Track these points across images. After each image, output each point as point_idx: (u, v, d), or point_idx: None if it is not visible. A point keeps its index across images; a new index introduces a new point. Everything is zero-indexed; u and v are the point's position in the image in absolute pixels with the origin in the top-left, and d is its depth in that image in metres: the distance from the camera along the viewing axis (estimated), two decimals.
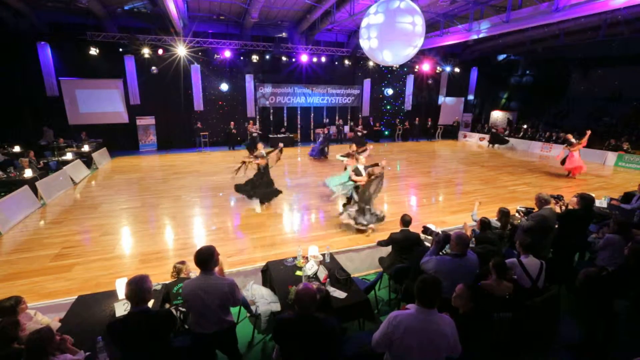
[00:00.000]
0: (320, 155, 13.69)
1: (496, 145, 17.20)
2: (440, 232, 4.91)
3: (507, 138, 17.19)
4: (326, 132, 14.71)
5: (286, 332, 2.36)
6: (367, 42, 4.79)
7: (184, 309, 3.09)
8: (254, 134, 14.70)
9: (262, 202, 7.41)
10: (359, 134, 15.29)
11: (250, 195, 7.35)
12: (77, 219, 6.99)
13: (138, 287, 2.32)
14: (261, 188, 7.34)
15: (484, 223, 4.44)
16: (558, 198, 5.45)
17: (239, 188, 7.51)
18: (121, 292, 3.33)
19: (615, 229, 3.92)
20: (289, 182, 9.95)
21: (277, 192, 7.63)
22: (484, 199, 8.35)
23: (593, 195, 6.24)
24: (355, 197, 6.20)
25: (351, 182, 6.43)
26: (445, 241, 3.41)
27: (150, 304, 3.32)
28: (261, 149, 7.54)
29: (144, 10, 12.92)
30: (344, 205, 6.53)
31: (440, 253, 3.44)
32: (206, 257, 2.60)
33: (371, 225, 6.00)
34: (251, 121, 16.72)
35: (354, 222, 6.04)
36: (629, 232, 3.90)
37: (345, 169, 7.47)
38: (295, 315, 2.35)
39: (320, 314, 2.41)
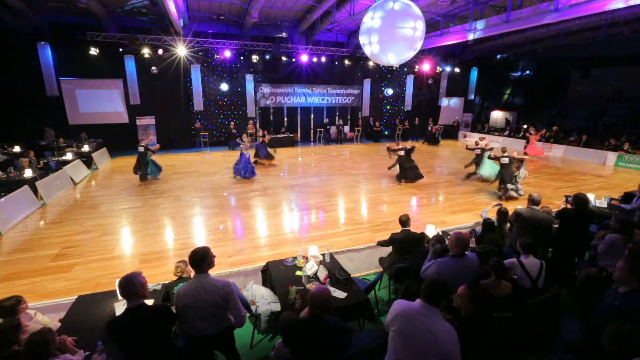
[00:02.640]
0: (249, 173, 10.18)
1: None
2: (439, 233, 4.93)
3: (439, 140, 18.41)
4: (251, 140, 10.92)
5: (297, 334, 2.35)
6: (369, 47, 4.84)
7: None
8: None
9: (410, 181, 9.67)
10: (263, 139, 12.33)
11: (399, 177, 9.79)
12: (77, 219, 6.99)
13: (128, 282, 2.34)
14: (410, 171, 9.68)
15: (488, 225, 4.45)
16: (569, 198, 5.53)
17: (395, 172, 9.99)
18: None
19: (616, 228, 3.87)
20: (288, 182, 9.96)
21: (420, 175, 9.76)
22: (484, 199, 8.36)
23: (590, 194, 6.30)
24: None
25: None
26: (442, 252, 3.39)
27: (150, 303, 3.32)
28: (399, 145, 10.03)
29: (144, 10, 12.92)
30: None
31: None
32: (200, 258, 2.57)
33: (513, 193, 8.23)
34: (251, 121, 16.74)
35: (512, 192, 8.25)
36: (631, 232, 3.83)
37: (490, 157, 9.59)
38: (308, 317, 2.36)
39: (332, 316, 2.43)
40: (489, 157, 9.34)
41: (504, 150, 8.81)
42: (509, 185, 8.23)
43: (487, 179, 9.58)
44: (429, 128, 18.28)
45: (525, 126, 18.18)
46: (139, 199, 8.30)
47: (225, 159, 13.61)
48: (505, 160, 8.32)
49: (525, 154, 13.26)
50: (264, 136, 12.59)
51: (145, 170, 9.71)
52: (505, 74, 21.33)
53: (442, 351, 2.07)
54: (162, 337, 2.46)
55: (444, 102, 20.79)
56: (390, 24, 4.51)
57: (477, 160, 10.22)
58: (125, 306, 3.17)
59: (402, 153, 9.73)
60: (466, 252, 3.23)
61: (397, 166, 9.93)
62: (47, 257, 5.37)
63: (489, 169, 9.68)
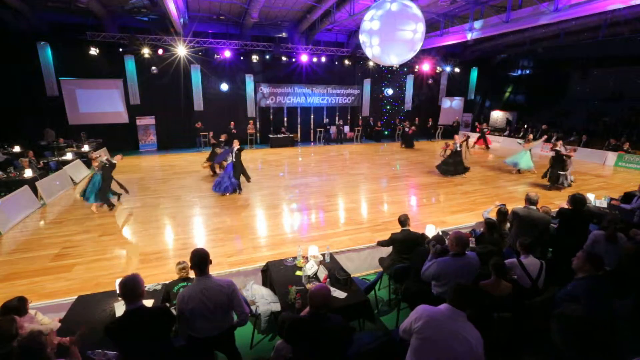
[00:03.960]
0: (230, 189, 8.37)
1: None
2: (439, 233, 4.93)
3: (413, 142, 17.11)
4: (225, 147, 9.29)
5: (299, 332, 2.35)
6: (370, 49, 4.86)
7: None
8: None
9: (457, 174, 10.52)
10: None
11: (451, 172, 10.49)
12: (77, 219, 6.99)
13: (134, 284, 2.34)
14: (455, 166, 10.50)
15: (490, 224, 4.45)
16: None
17: (439, 167, 10.79)
18: None
19: (604, 225, 4.03)
20: (290, 182, 9.96)
21: (466, 169, 10.66)
22: (484, 199, 8.37)
23: (590, 194, 6.31)
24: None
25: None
26: (443, 252, 3.39)
27: (150, 303, 3.32)
28: (457, 140, 10.75)
29: (144, 10, 12.91)
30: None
31: None
32: (203, 259, 2.58)
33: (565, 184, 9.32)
34: (251, 121, 16.74)
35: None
36: (614, 229, 3.94)
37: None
38: (309, 315, 2.36)
39: (333, 314, 2.42)
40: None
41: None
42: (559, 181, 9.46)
43: (526, 170, 11.04)
44: (405, 129, 17.23)
45: (525, 126, 18.20)
46: (139, 199, 8.30)
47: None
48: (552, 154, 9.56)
49: (474, 144, 16.40)
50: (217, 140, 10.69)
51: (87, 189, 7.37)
52: (505, 74, 21.35)
53: (476, 357, 2.03)
54: (162, 339, 2.46)
55: (447, 103, 20.77)
56: (390, 27, 4.51)
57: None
58: (125, 306, 3.18)
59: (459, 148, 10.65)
60: (466, 252, 3.23)
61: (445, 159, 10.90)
62: (47, 257, 5.37)
63: (526, 161, 10.96)
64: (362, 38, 5.10)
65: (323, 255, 4.23)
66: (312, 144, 18.01)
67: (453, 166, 10.51)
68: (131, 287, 2.34)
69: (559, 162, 9.30)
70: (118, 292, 2.41)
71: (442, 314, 2.13)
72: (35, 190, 7.84)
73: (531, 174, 10.94)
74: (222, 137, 10.68)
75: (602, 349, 1.81)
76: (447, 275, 3.16)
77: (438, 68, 19.10)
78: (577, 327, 1.82)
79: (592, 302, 2.56)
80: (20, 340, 2.28)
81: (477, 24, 12.13)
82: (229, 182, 8.35)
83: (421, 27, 4.58)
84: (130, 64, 14.20)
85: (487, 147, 16.56)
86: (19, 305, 2.79)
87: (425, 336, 2.08)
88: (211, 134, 10.94)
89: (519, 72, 21.04)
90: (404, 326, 2.24)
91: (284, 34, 16.31)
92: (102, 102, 14.40)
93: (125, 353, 2.37)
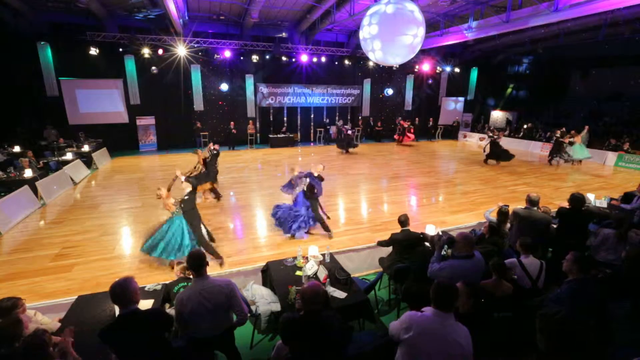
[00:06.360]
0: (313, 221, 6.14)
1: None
2: (439, 233, 4.93)
3: (356, 143, 15.52)
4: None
5: (294, 332, 2.34)
6: (373, 54, 4.89)
7: None
8: None
9: (501, 161, 12.24)
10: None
11: (494, 158, 12.26)
12: (77, 219, 6.99)
13: (123, 289, 2.28)
14: (500, 155, 12.22)
15: (493, 228, 4.44)
16: None
17: (488, 156, 12.45)
18: None
19: (613, 225, 4.08)
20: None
21: (511, 156, 12.19)
22: (484, 199, 8.37)
23: (590, 194, 6.31)
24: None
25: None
26: (449, 243, 3.36)
27: (151, 303, 3.32)
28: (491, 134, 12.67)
29: (144, 9, 12.90)
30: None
31: (443, 252, 3.42)
32: (200, 260, 2.57)
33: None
34: (251, 121, 16.74)
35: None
36: (625, 228, 4.01)
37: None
38: (303, 314, 2.34)
39: (329, 312, 2.41)
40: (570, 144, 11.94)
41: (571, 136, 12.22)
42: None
43: (579, 159, 12.41)
44: (346, 131, 15.20)
45: (525, 126, 18.19)
46: (139, 199, 8.30)
47: (225, 159, 13.59)
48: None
49: (399, 140, 17.70)
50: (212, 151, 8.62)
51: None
52: (506, 74, 21.34)
53: (467, 356, 2.05)
54: (159, 342, 2.42)
55: (451, 105, 20.74)
56: (391, 30, 4.53)
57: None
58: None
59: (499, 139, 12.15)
60: (474, 252, 3.22)
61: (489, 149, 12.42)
62: (47, 257, 5.37)
63: (579, 152, 12.19)
64: (363, 36, 5.10)
65: (323, 255, 4.23)
66: (312, 144, 18.02)
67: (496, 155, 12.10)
68: (119, 293, 2.27)
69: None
70: (111, 297, 2.34)
71: (431, 321, 2.10)
72: (35, 190, 7.84)
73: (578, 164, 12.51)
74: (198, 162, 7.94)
75: (587, 351, 1.83)
76: (460, 277, 3.14)
77: (438, 68, 19.09)
78: (557, 328, 1.85)
79: (575, 304, 2.59)
80: (24, 339, 2.29)
81: (477, 24, 12.14)
82: (308, 215, 6.12)
83: (422, 31, 4.61)
84: (130, 64, 14.20)
85: (407, 144, 17.58)
86: (11, 307, 2.75)
87: (418, 349, 2.07)
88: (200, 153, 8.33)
89: (519, 72, 21.03)
90: (393, 331, 2.22)
91: (284, 34, 16.31)
92: (102, 102, 14.40)
93: (122, 357, 2.34)
